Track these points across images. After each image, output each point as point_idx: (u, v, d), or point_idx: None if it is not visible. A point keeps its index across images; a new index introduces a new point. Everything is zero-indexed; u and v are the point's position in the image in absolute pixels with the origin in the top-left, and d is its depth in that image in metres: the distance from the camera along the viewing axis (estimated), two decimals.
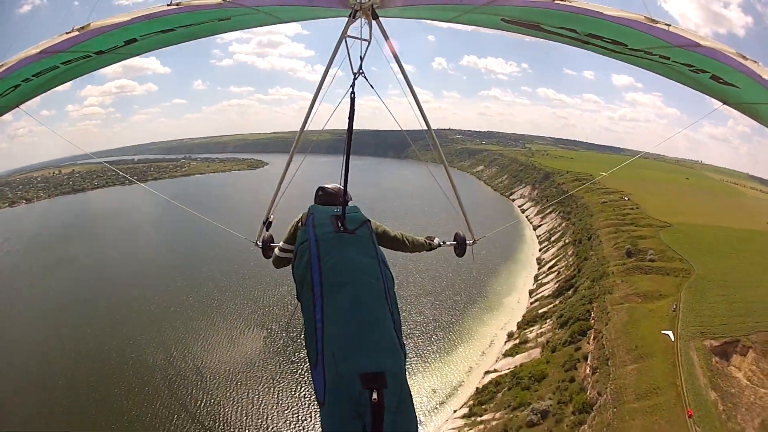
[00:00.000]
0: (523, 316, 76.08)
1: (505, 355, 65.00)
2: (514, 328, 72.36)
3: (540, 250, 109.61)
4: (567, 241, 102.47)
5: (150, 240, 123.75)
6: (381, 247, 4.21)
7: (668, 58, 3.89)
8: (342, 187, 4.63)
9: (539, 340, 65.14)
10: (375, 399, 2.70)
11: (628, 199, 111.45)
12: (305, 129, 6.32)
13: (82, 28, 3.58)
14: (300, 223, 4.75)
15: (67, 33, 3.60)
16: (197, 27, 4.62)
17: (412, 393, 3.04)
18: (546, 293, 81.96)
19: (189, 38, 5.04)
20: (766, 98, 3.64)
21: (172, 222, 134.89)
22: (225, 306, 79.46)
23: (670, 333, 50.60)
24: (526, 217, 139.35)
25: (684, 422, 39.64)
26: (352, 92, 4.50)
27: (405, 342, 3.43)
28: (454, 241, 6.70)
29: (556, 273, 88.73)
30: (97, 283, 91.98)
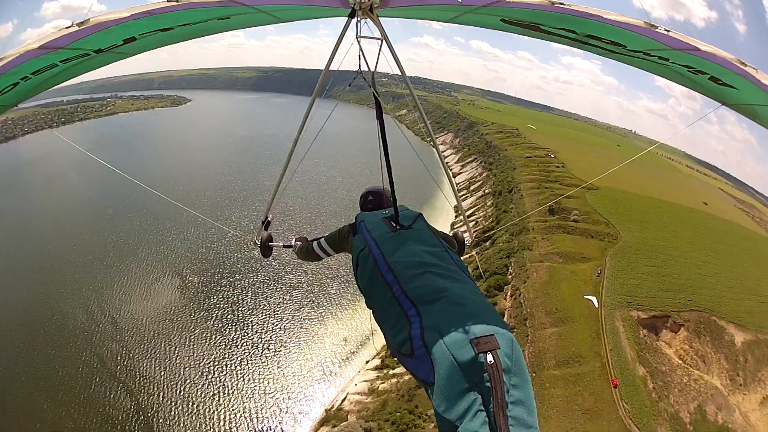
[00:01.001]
0: None
1: None
2: None
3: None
4: (486, 191, 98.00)
5: (70, 188, 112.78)
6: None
7: (667, 60, 3.95)
8: (388, 188, 4.70)
9: None
10: (491, 361, 2.60)
11: (555, 157, 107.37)
12: (303, 130, 6.27)
13: (82, 23, 3.48)
14: (348, 233, 4.53)
15: (67, 27, 3.50)
16: (196, 26, 4.52)
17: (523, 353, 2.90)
18: None
19: (188, 37, 4.92)
20: (765, 101, 3.64)
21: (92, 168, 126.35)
22: (140, 252, 71.48)
23: (593, 299, 46.97)
24: (446, 164, 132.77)
25: (610, 396, 36.41)
26: (375, 92, 4.57)
27: None
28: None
29: (473, 223, 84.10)
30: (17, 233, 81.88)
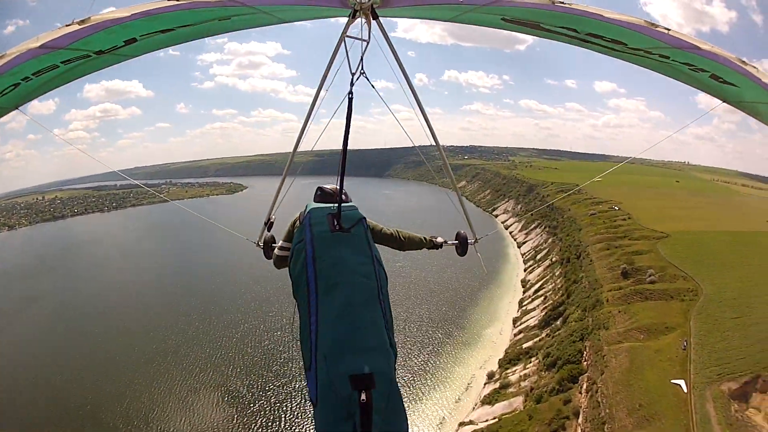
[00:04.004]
0: (506, 352, 66.33)
1: (484, 402, 55.90)
2: (495, 367, 62.82)
3: (525, 270, 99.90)
4: (554, 259, 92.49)
5: (118, 272, 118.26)
6: (379, 245, 4.63)
7: (668, 57, 3.98)
8: (335, 186, 4.79)
9: (522, 384, 55.57)
10: (363, 400, 2.78)
11: (619, 209, 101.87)
12: (305, 132, 6.25)
13: (82, 21, 3.50)
14: (298, 222, 4.67)
15: (67, 26, 3.50)
16: (197, 27, 4.48)
17: (401, 393, 3.15)
18: (531, 323, 71.98)
19: (188, 38, 4.81)
20: (766, 98, 3.74)
21: (144, 251, 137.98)
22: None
23: (681, 382, 41.06)
24: (510, 233, 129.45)
25: None
26: (351, 93, 4.52)
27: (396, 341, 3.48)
28: (456, 240, 6.54)
29: (542, 298, 78.47)
30: (69, 320, 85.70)
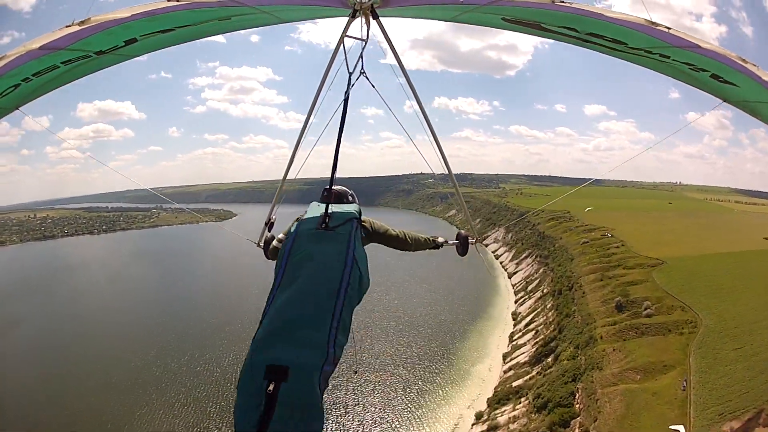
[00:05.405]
0: (495, 390, 63.08)
1: None
2: (484, 407, 59.79)
3: (516, 302, 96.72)
4: (545, 291, 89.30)
5: (103, 298, 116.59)
6: (386, 246, 5.17)
7: (668, 57, 3.96)
8: (346, 189, 5.15)
9: (512, 426, 52.73)
10: (270, 390, 2.75)
11: (612, 236, 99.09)
12: (307, 128, 6.47)
13: (83, 22, 3.49)
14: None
15: (67, 26, 3.51)
16: (197, 27, 4.51)
17: (321, 397, 3.00)
18: (522, 359, 68.65)
19: (189, 39, 4.86)
20: (766, 98, 3.76)
21: (130, 277, 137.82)
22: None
23: (681, 428, 37.75)
24: (501, 263, 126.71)
25: None
26: (347, 93, 4.63)
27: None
28: (456, 240, 6.60)
29: (533, 332, 75.14)
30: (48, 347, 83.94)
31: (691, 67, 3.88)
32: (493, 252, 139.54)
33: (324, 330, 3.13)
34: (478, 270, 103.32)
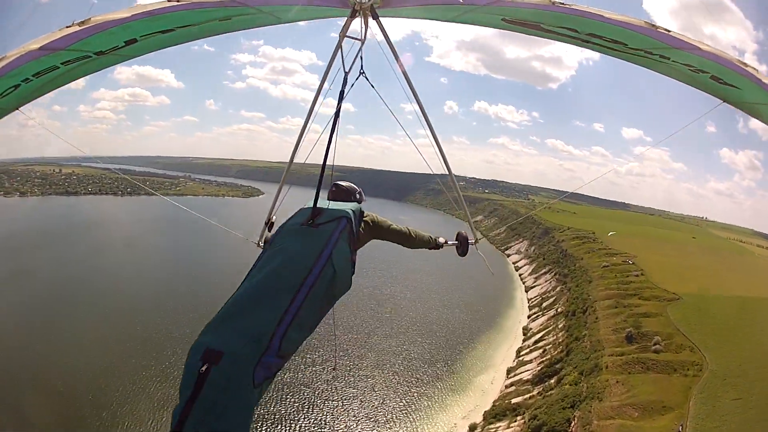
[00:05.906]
0: (494, 404, 62.65)
1: None
2: (479, 419, 59.15)
3: (529, 317, 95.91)
4: (559, 310, 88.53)
5: (115, 258, 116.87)
6: (388, 242, 5.39)
7: (668, 58, 4.01)
8: (354, 186, 5.29)
9: None
10: (201, 371, 2.79)
11: (633, 263, 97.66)
12: (310, 120, 6.58)
13: (83, 22, 3.54)
14: None
15: (67, 27, 3.56)
16: (197, 27, 4.56)
17: (257, 386, 2.99)
18: (525, 376, 68.22)
19: (189, 39, 4.91)
20: (766, 99, 3.78)
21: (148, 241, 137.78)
22: None
23: None
24: (520, 276, 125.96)
25: None
26: (342, 91, 4.90)
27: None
28: (456, 240, 6.75)
29: (541, 350, 74.63)
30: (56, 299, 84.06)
31: (692, 68, 3.95)
32: (513, 263, 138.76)
33: (271, 322, 3.16)
34: (497, 279, 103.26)
